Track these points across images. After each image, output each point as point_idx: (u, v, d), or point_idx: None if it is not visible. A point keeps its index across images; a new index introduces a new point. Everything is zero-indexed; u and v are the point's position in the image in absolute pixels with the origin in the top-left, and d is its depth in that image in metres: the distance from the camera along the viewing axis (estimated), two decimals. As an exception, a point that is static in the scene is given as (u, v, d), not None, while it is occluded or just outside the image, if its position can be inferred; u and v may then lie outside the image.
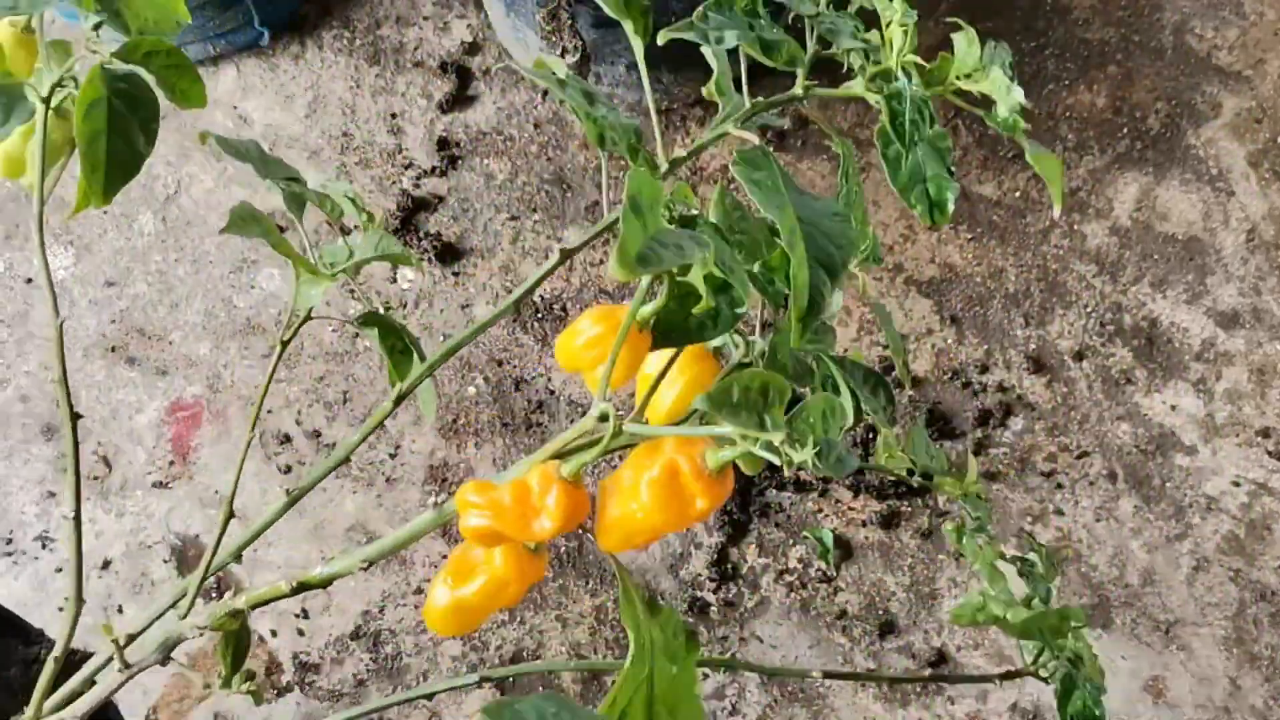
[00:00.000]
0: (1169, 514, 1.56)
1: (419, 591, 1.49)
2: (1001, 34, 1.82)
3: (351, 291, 1.62)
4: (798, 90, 0.71)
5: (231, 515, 0.83)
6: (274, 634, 1.47)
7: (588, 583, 1.50)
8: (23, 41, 0.75)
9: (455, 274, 1.63)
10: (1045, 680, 0.81)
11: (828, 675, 0.82)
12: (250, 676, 0.86)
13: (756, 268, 0.61)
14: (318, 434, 1.55)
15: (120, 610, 1.48)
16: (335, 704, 1.44)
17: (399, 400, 0.78)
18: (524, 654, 1.46)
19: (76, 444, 0.76)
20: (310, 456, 1.54)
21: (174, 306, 1.61)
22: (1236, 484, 1.58)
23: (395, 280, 1.63)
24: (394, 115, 1.72)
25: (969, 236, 1.70)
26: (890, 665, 1.48)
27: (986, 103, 0.69)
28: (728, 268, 0.56)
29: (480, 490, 0.62)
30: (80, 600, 0.82)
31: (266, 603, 0.76)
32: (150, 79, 0.70)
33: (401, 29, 1.78)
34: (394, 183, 1.68)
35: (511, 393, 1.58)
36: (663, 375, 0.63)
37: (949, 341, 1.64)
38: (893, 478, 1.54)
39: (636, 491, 0.60)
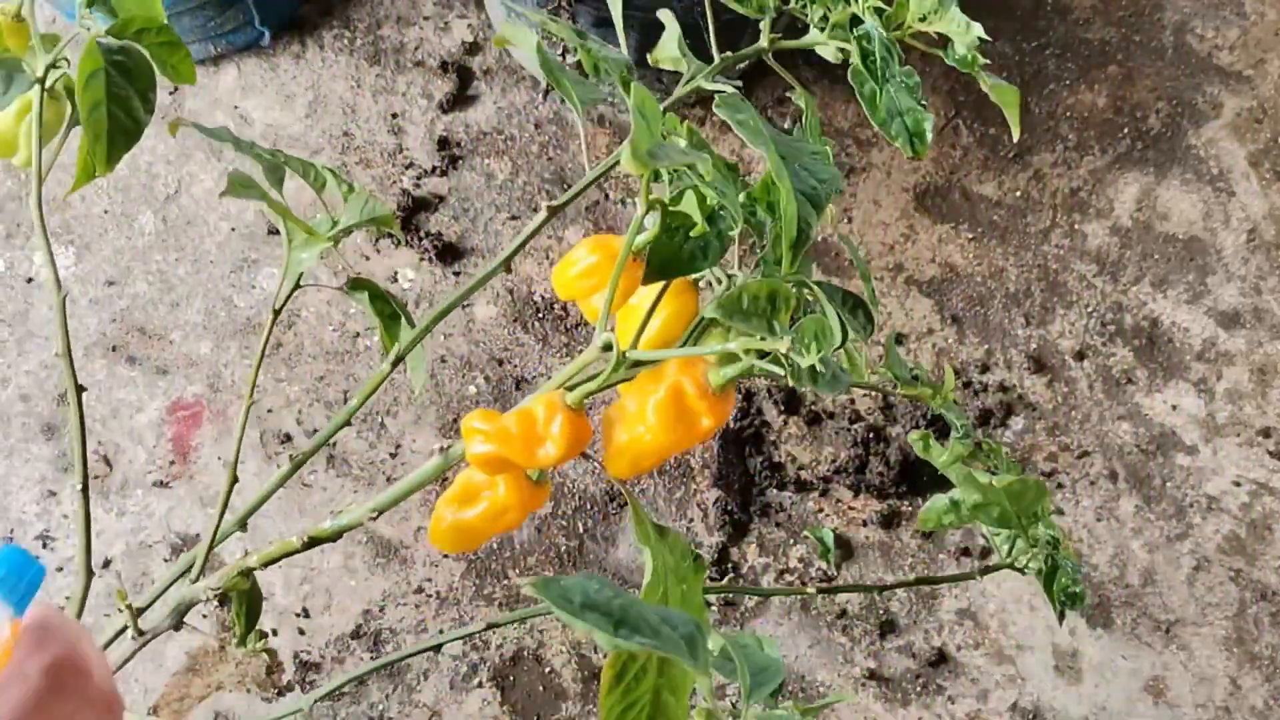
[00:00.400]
0: (1170, 514, 1.56)
1: (419, 591, 1.49)
2: (1002, 33, 1.82)
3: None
4: (764, 43, 0.74)
5: (235, 480, 0.84)
6: (275, 633, 1.47)
7: (588, 582, 1.50)
8: (15, 29, 0.78)
9: (456, 274, 1.64)
10: (1022, 571, 0.84)
11: (820, 591, 0.85)
12: (263, 636, 0.87)
13: (742, 199, 0.64)
14: (317, 433, 1.55)
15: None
16: (336, 702, 1.44)
17: (395, 363, 0.79)
18: (524, 653, 1.46)
19: (82, 417, 0.78)
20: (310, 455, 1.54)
21: (174, 306, 1.61)
22: (1237, 484, 1.58)
23: (396, 279, 1.63)
24: (394, 115, 1.72)
25: (970, 236, 1.70)
26: (890, 665, 1.48)
27: (945, 42, 0.73)
28: (720, 190, 0.59)
29: (486, 418, 0.64)
30: (90, 571, 0.83)
31: (278, 559, 0.77)
32: (144, 53, 0.73)
33: (402, 29, 1.78)
34: (394, 182, 1.68)
35: (512, 392, 1.58)
36: (655, 305, 0.65)
37: (950, 341, 1.64)
38: (893, 478, 1.54)
39: (643, 415, 0.62)
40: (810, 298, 0.70)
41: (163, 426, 1.56)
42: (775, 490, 1.55)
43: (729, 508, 1.53)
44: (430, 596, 1.48)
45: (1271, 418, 1.62)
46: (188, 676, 1.44)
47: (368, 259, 1.64)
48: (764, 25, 0.74)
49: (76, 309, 1.60)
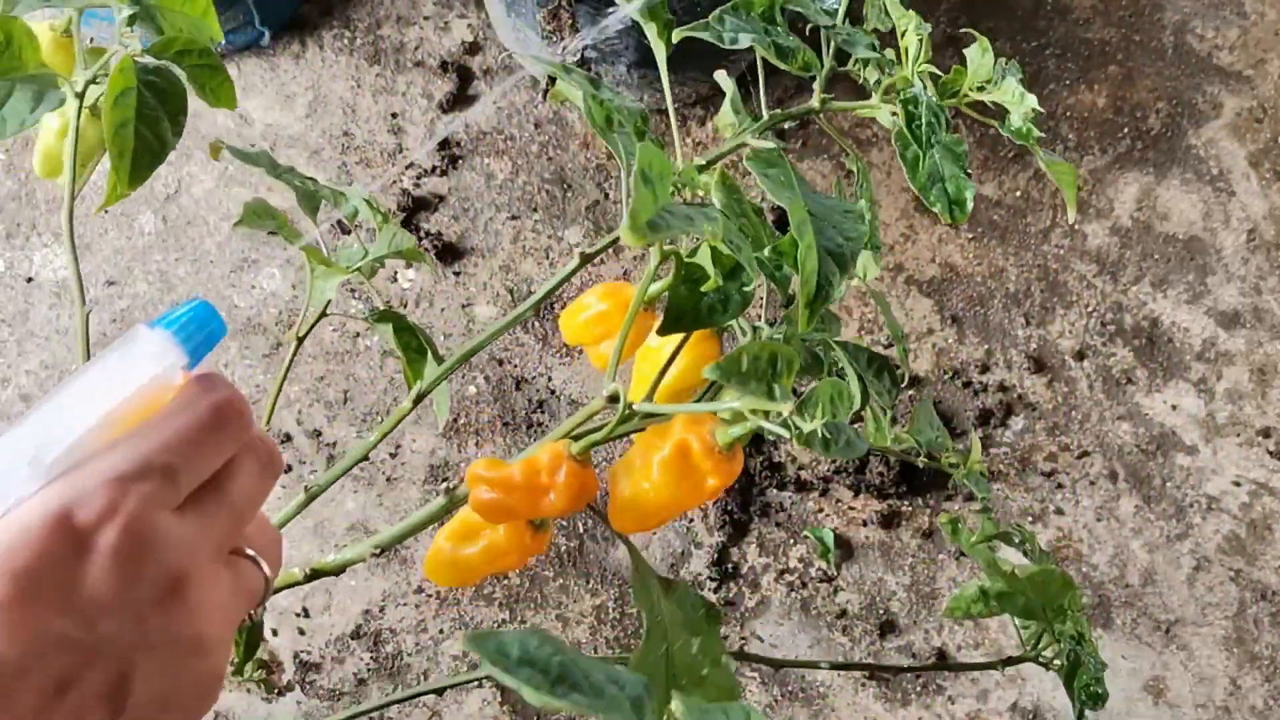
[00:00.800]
0: (1169, 514, 1.56)
1: (420, 591, 1.49)
2: (1001, 33, 1.82)
3: (353, 291, 1.62)
4: (814, 104, 0.72)
5: None
6: (275, 633, 1.47)
7: (588, 582, 1.50)
8: (61, 44, 0.77)
9: (456, 273, 1.64)
10: (1045, 665, 0.82)
11: (834, 667, 0.84)
12: (263, 666, 0.87)
13: (766, 253, 0.61)
14: (318, 433, 1.55)
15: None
16: (336, 703, 1.44)
17: (418, 400, 0.79)
18: (524, 653, 1.46)
19: None
20: (310, 456, 1.54)
21: (175, 306, 1.61)
22: (1237, 484, 1.58)
23: (396, 279, 1.63)
24: (394, 115, 1.72)
25: (969, 236, 1.70)
26: (891, 664, 1.48)
27: (999, 112, 0.71)
28: (735, 245, 0.57)
29: (491, 466, 0.63)
30: None
31: (280, 590, 0.77)
32: (181, 75, 0.72)
33: (402, 29, 1.78)
34: (394, 182, 1.68)
35: (512, 392, 1.58)
36: (673, 358, 0.64)
37: (949, 341, 1.64)
38: (893, 478, 1.54)
39: (648, 471, 0.61)
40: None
41: (163, 426, 1.56)
42: (775, 490, 1.55)
43: (729, 508, 1.53)
44: (430, 596, 1.48)
45: (1271, 418, 1.62)
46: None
47: (368, 259, 1.64)
48: (817, 85, 0.72)
49: (77, 309, 1.60)
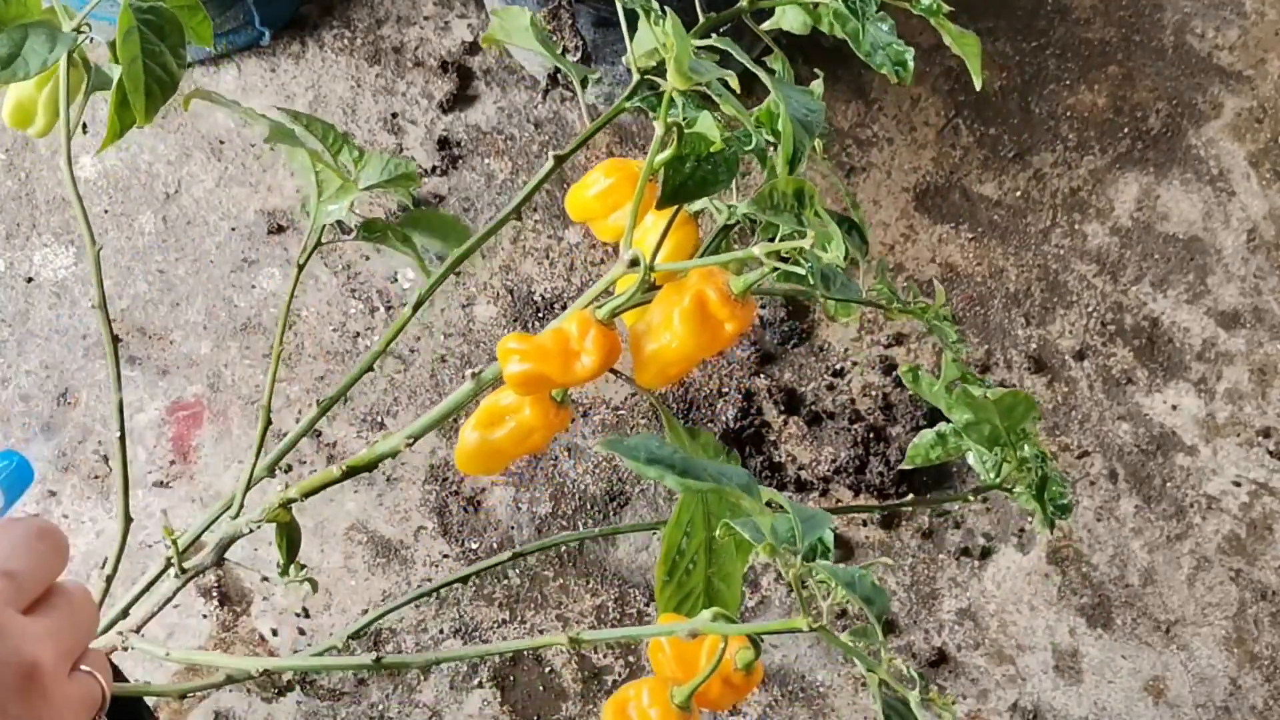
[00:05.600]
0: (1169, 514, 1.56)
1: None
2: (1001, 33, 1.82)
3: (353, 291, 1.62)
4: (744, 4, 0.80)
5: (269, 422, 0.87)
6: (275, 633, 1.47)
7: (588, 582, 1.50)
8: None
9: (456, 273, 1.63)
10: (1010, 491, 0.87)
11: (833, 510, 0.89)
12: (303, 567, 0.90)
13: (753, 118, 0.70)
14: (318, 433, 1.55)
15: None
16: (336, 703, 1.44)
17: (417, 306, 0.86)
18: (524, 653, 1.46)
19: (118, 364, 0.82)
20: (311, 456, 1.54)
21: (174, 306, 1.61)
22: (1237, 484, 1.58)
23: (396, 279, 1.63)
24: (394, 115, 1.72)
25: (969, 236, 1.70)
26: (890, 665, 1.48)
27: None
28: (737, 109, 0.66)
29: (521, 339, 0.68)
30: (128, 518, 0.88)
31: (318, 490, 0.81)
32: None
33: (402, 29, 1.78)
34: (395, 182, 1.68)
35: (512, 392, 1.58)
36: (669, 227, 0.71)
37: (950, 341, 1.64)
38: (893, 478, 1.54)
39: (669, 323, 0.66)
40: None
41: (163, 427, 1.56)
42: (775, 490, 1.55)
43: (729, 508, 1.53)
44: (430, 596, 1.48)
45: (1271, 418, 1.62)
46: (188, 676, 1.44)
47: (367, 258, 1.64)
48: None
49: (77, 309, 1.60)
